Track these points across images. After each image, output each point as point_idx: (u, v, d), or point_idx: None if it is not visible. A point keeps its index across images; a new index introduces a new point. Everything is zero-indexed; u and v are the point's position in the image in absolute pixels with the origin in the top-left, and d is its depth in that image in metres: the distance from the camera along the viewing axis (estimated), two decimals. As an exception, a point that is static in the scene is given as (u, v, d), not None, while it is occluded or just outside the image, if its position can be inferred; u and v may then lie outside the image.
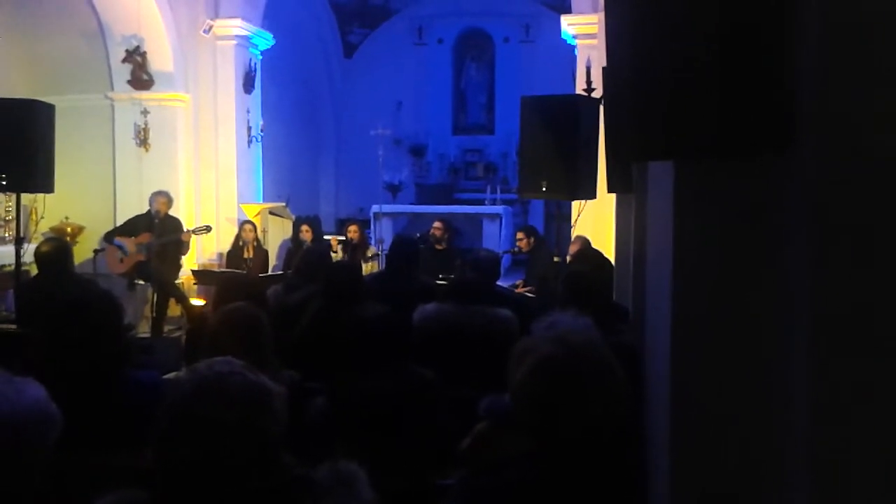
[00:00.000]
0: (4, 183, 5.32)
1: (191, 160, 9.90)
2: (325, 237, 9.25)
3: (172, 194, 8.21)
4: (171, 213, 8.08)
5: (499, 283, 5.31)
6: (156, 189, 8.05)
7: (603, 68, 4.75)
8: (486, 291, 4.03)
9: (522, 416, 1.80)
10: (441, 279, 6.18)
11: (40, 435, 1.60)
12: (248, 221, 8.93)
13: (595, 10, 8.48)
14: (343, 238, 8.96)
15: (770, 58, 1.12)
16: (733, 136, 1.13)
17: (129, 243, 7.78)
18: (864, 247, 1.10)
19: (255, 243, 8.61)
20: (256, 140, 10.60)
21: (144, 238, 7.69)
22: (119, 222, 8.55)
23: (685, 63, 1.10)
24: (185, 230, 7.96)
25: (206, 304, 7.31)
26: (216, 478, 1.35)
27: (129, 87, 9.56)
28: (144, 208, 7.99)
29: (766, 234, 1.27)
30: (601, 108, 4.97)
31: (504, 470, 1.81)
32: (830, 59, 1.08)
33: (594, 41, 8.13)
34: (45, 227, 8.34)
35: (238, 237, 8.71)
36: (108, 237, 7.94)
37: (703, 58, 1.08)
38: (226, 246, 9.26)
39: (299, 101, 14.18)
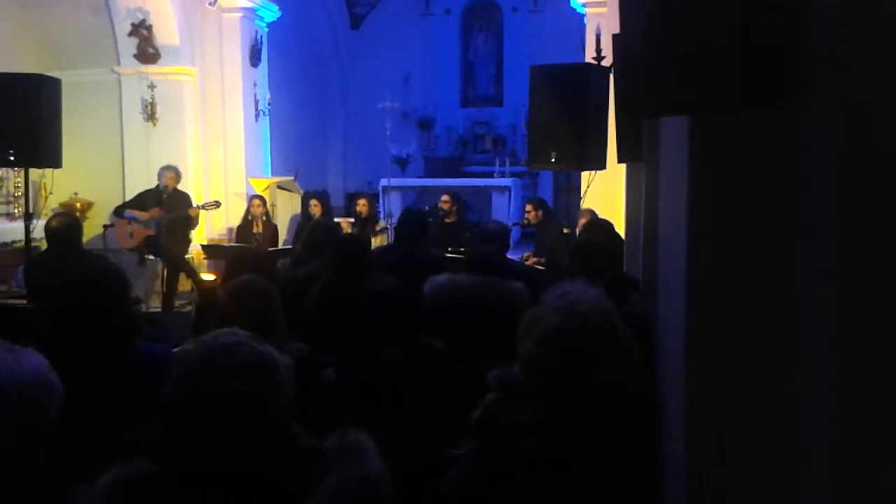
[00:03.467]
0: (13, 158, 5.31)
1: (199, 134, 9.87)
2: (336, 220, 9.25)
3: (181, 169, 8.20)
4: (181, 187, 8.08)
5: (508, 255, 5.29)
6: (164, 164, 8.04)
7: (613, 36, 4.68)
8: (500, 264, 4.01)
9: (532, 386, 1.79)
10: (450, 252, 6.17)
11: (40, 403, 1.59)
12: (258, 196, 8.92)
13: (604, -22, 8.34)
14: (353, 220, 8.94)
15: (787, 8, 1.08)
16: (750, 88, 1.10)
17: (140, 215, 7.79)
18: (888, 209, 1.06)
19: (264, 218, 8.61)
20: (264, 114, 10.56)
21: (154, 213, 7.70)
22: (128, 197, 8.56)
23: (701, 14, 1.06)
24: (193, 206, 7.95)
25: (216, 279, 7.33)
26: (224, 448, 1.34)
27: (135, 61, 9.50)
28: (153, 183, 7.99)
29: (786, 197, 1.24)
30: (611, 76, 4.91)
31: (514, 440, 1.81)
32: (848, 11, 1.04)
33: (603, 9, 8.01)
34: (54, 202, 8.35)
35: (247, 212, 8.71)
36: (118, 211, 7.96)
37: (719, 9, 1.05)
38: (235, 220, 9.26)
39: (306, 73, 14.09)
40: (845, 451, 1.11)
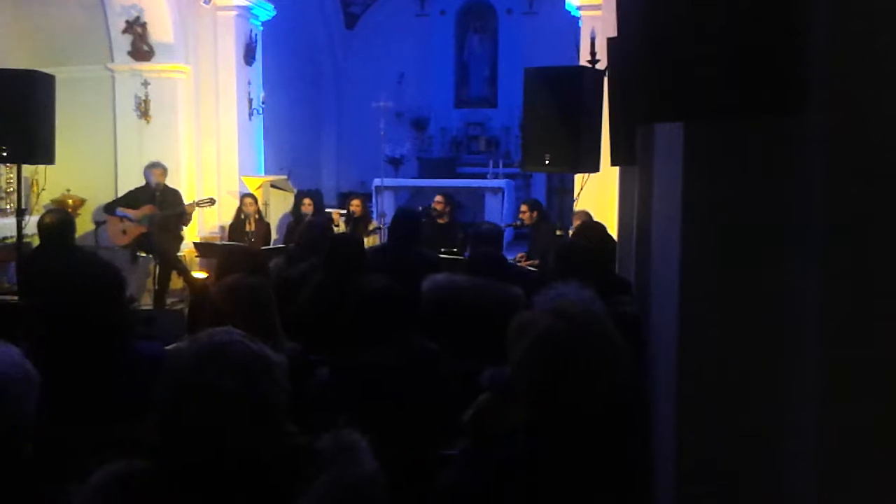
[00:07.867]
0: (5, 154, 5.29)
1: (192, 132, 9.85)
2: (327, 210, 9.24)
3: (174, 166, 8.19)
4: (171, 184, 8.06)
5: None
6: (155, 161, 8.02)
7: (607, 39, 4.69)
8: (501, 266, 4.02)
9: (523, 389, 1.80)
10: (443, 252, 6.18)
11: (17, 394, 1.59)
12: (250, 194, 8.90)
13: (599, -19, 8.36)
14: (345, 212, 8.94)
15: (781, 17, 1.09)
16: (744, 96, 1.11)
17: (133, 213, 7.77)
18: (878, 217, 1.08)
19: (256, 216, 8.60)
20: (258, 112, 10.54)
21: (147, 210, 7.68)
22: (120, 194, 8.53)
23: (696, 23, 1.08)
24: (186, 202, 7.94)
25: (208, 277, 7.31)
26: (218, 446, 1.34)
27: (129, 59, 9.47)
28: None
29: (779, 202, 1.26)
30: (605, 79, 4.92)
31: (505, 441, 1.82)
32: (841, 20, 1.06)
33: (598, 12, 8.03)
34: (46, 199, 8.32)
35: (239, 210, 8.69)
36: (109, 208, 7.93)
37: (715, 17, 1.06)
38: (227, 219, 9.24)
39: (300, 73, 14.07)
40: (834, 455, 1.13)
